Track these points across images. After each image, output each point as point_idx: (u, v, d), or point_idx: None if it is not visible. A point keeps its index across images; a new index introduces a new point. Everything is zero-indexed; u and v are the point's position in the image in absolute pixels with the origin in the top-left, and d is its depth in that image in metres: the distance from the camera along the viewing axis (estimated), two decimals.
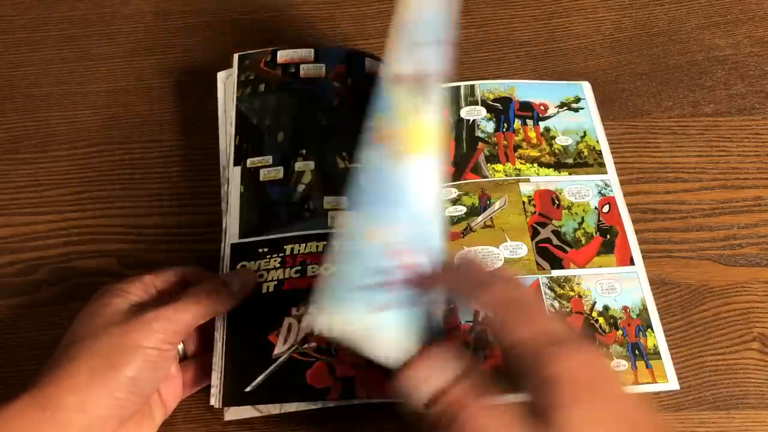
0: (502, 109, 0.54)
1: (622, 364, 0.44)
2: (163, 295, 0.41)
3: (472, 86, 0.55)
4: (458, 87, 0.55)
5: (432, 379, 0.31)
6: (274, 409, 0.43)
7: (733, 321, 0.48)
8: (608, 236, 0.49)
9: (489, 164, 0.52)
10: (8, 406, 0.34)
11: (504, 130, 0.53)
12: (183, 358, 0.43)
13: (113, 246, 0.50)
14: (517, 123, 0.54)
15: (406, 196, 0.36)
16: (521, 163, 0.52)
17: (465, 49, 0.61)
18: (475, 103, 0.55)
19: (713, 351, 0.47)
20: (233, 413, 0.43)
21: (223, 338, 0.42)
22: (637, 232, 0.51)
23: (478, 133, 0.53)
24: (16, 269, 0.49)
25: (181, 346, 0.42)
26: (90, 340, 0.36)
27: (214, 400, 0.40)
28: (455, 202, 0.50)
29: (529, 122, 0.54)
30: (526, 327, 0.30)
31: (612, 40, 0.61)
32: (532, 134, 0.53)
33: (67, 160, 0.54)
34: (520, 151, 0.53)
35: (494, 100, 0.55)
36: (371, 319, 0.34)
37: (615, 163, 0.53)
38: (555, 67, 0.59)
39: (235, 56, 0.51)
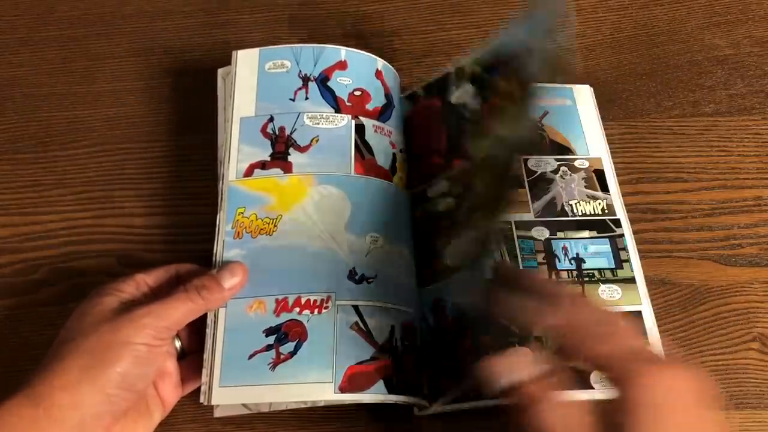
0: (486, 77, 0.52)
1: None
2: (156, 292, 0.41)
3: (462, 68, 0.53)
4: (447, 73, 0.53)
5: (510, 373, 0.33)
6: (263, 406, 0.43)
7: (733, 321, 0.48)
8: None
9: (473, 139, 0.50)
10: (3, 405, 0.34)
11: (488, 97, 0.51)
12: (181, 356, 0.43)
13: (113, 246, 0.50)
14: (502, 83, 0.51)
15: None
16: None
17: (465, 49, 0.61)
18: (465, 82, 0.53)
19: (713, 351, 0.47)
20: (222, 410, 0.43)
21: (213, 335, 0.42)
22: (636, 232, 0.51)
23: (466, 114, 0.52)
24: (16, 269, 0.49)
25: (179, 343, 0.42)
26: (80, 339, 0.36)
27: (204, 398, 0.40)
28: (444, 195, 0.49)
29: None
30: (604, 346, 0.32)
31: (612, 40, 0.61)
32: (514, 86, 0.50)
33: (67, 160, 0.54)
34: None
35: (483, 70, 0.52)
36: (275, 375, 0.40)
37: (615, 163, 0.53)
38: None
39: (235, 54, 0.51)
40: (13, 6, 0.62)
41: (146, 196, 0.52)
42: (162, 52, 0.59)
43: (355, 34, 0.61)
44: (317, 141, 0.48)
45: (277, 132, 0.48)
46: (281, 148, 0.48)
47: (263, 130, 0.48)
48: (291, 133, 0.48)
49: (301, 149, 0.48)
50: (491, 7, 0.63)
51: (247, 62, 0.51)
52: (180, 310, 0.39)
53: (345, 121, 0.49)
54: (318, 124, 0.48)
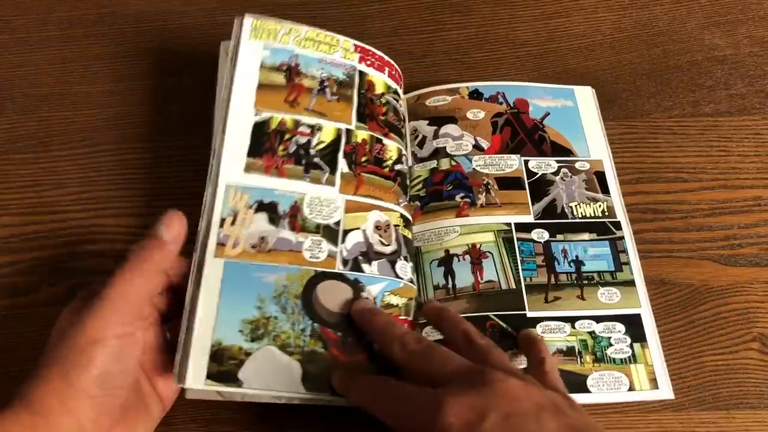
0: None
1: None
2: None
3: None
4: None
5: None
6: (236, 395, 0.42)
7: (733, 321, 0.48)
8: None
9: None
10: (2, 413, 0.34)
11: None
12: (175, 351, 0.42)
13: (113, 246, 0.50)
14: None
15: None
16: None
17: (465, 49, 0.61)
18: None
19: (713, 351, 0.47)
20: (195, 392, 0.41)
21: (187, 316, 0.40)
22: (636, 232, 0.51)
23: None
24: (16, 269, 0.49)
25: (168, 336, 0.42)
26: (56, 347, 0.36)
27: (176, 380, 0.39)
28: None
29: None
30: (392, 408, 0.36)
31: (612, 40, 0.61)
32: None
33: (67, 160, 0.54)
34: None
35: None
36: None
37: (615, 162, 0.53)
38: (555, 67, 0.59)
39: (242, 18, 0.50)
40: (13, 6, 0.62)
41: (146, 196, 0.52)
42: (162, 52, 0.59)
43: (356, 33, 0.61)
44: None
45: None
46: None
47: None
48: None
49: None
50: (491, 7, 0.63)
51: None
52: (134, 282, 0.37)
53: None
54: None
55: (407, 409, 0.36)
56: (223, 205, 0.44)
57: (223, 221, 0.43)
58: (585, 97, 0.56)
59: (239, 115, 0.47)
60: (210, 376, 0.39)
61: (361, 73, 0.51)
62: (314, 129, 0.48)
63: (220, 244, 0.43)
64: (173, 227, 0.39)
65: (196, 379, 0.39)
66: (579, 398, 0.43)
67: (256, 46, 0.49)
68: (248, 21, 0.50)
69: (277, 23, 0.50)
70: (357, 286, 0.44)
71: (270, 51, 0.49)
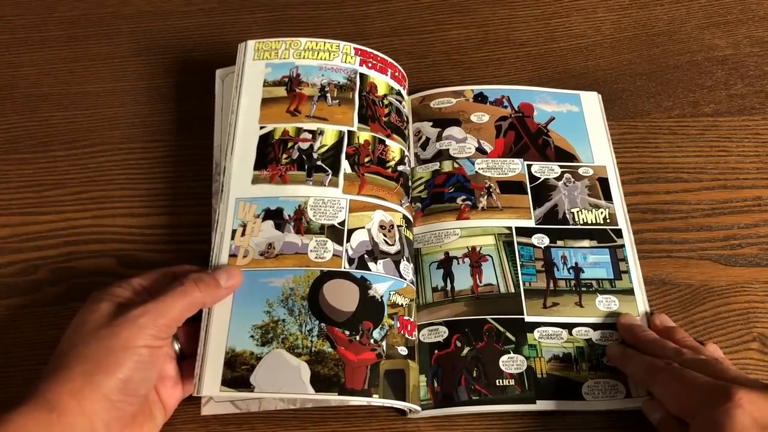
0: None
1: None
2: (152, 294, 0.40)
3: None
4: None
5: None
6: (253, 405, 0.43)
7: (733, 321, 0.48)
8: None
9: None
10: (18, 410, 0.34)
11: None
12: (181, 359, 0.43)
13: (113, 246, 0.50)
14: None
15: None
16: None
17: (465, 49, 0.61)
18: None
19: None
20: (211, 408, 0.43)
21: (205, 328, 0.42)
22: (636, 232, 0.51)
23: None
24: (16, 269, 0.49)
25: (177, 346, 0.42)
26: (81, 346, 0.36)
27: (195, 390, 0.40)
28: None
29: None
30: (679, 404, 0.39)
31: (612, 40, 0.61)
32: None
33: (67, 160, 0.54)
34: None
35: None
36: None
37: (615, 162, 0.53)
38: (555, 68, 0.59)
39: (245, 44, 0.51)
40: (13, 6, 0.62)
41: (146, 196, 0.52)
42: (162, 52, 0.59)
43: (356, 34, 0.61)
44: None
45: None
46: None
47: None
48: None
49: None
50: (491, 7, 0.63)
51: None
52: (177, 305, 0.38)
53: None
54: None
55: (688, 390, 0.38)
56: (234, 218, 0.45)
57: (233, 233, 0.45)
58: (591, 102, 0.56)
59: (246, 133, 0.48)
60: (224, 382, 0.40)
61: (362, 76, 0.51)
62: (315, 134, 0.48)
63: (232, 255, 0.44)
64: (232, 280, 0.42)
65: (212, 386, 0.40)
66: (573, 405, 0.44)
67: (259, 66, 0.51)
68: (251, 44, 0.51)
69: (277, 41, 0.51)
70: (364, 284, 0.44)
71: (272, 68, 0.51)
